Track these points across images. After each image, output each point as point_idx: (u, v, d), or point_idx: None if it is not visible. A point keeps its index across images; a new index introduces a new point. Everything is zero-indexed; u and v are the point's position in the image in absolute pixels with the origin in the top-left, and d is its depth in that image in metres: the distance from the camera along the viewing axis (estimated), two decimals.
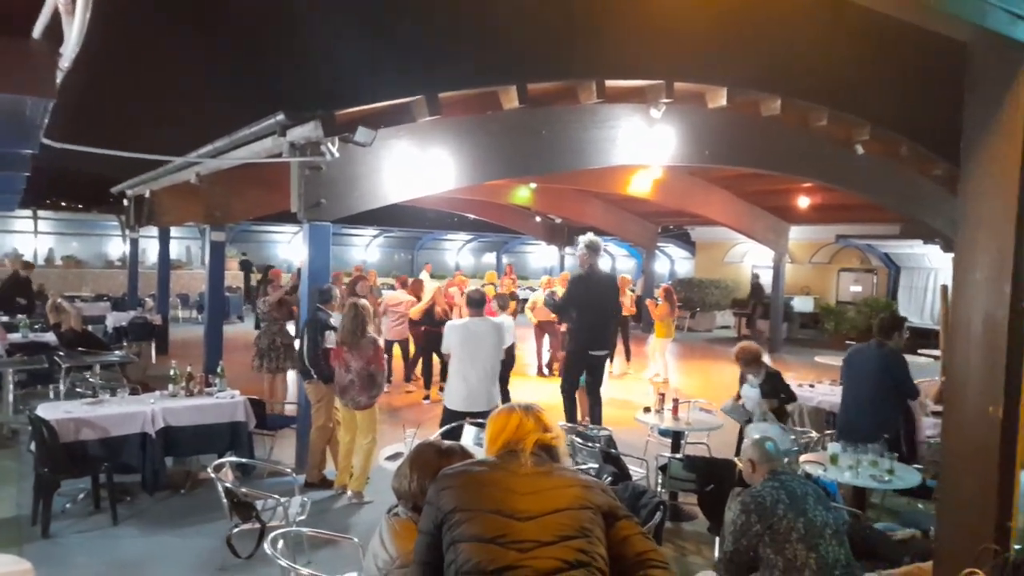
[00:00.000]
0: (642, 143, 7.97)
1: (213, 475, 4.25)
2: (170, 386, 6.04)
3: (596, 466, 4.83)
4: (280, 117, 5.93)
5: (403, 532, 2.30)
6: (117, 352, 9.21)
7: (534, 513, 1.86)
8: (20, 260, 13.62)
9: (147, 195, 11.87)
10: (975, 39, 2.84)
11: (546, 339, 11.49)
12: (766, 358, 6.50)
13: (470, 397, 5.57)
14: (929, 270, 16.32)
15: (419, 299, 10.01)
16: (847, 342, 13.33)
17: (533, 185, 13.31)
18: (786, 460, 4.74)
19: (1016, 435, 2.81)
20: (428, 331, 9.60)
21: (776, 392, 5.80)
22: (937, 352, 8.59)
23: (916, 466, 5.07)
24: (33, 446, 5.10)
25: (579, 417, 7.11)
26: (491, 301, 8.82)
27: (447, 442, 2.56)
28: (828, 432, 6.40)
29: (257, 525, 4.20)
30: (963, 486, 2.92)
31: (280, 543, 3.29)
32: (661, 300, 11.54)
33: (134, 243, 14.42)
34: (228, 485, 4.24)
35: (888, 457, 4.74)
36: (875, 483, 4.60)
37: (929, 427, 6.23)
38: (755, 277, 18.81)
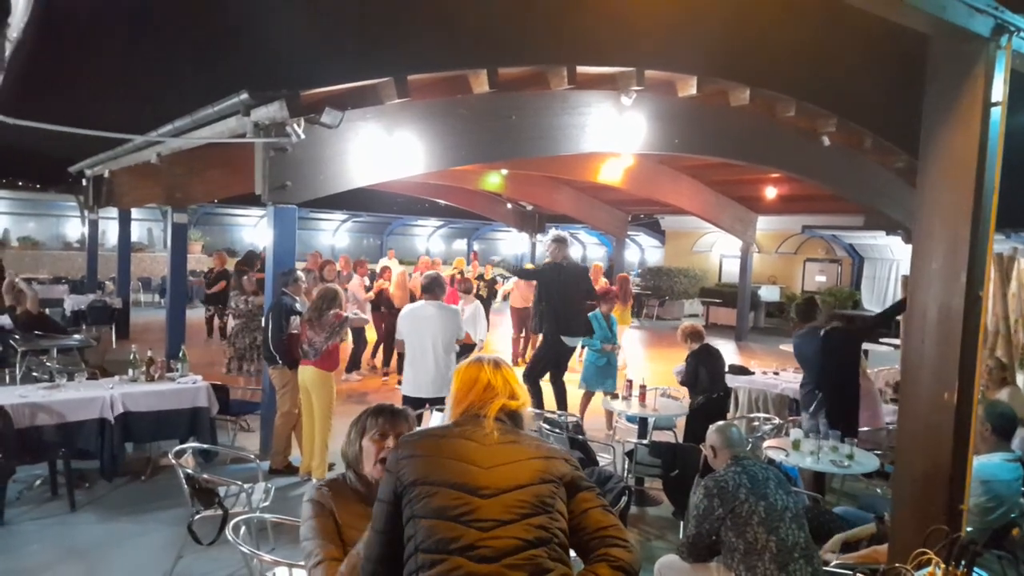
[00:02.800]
0: (612, 130, 7.98)
1: (174, 461, 4.17)
2: (130, 371, 5.91)
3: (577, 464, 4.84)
4: (244, 96, 5.79)
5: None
6: (75, 336, 8.97)
7: (496, 490, 1.82)
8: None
9: (107, 175, 11.53)
10: (935, 31, 2.88)
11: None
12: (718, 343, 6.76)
13: (424, 383, 5.53)
14: (891, 260, 16.70)
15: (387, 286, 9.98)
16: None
17: (504, 171, 13.26)
18: (748, 446, 4.83)
19: (970, 421, 2.88)
20: (383, 316, 9.72)
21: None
22: (897, 341, 8.79)
23: (876, 451, 5.20)
24: None
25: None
26: (458, 285, 8.82)
27: (399, 406, 2.49)
28: (791, 419, 6.53)
29: (219, 512, 4.13)
30: (917, 470, 3.00)
31: (243, 529, 3.24)
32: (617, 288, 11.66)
33: (93, 224, 14.03)
34: (189, 471, 4.16)
35: (848, 442, 4.85)
36: (835, 468, 4.70)
37: (889, 414, 6.38)
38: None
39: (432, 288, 5.78)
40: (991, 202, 2.85)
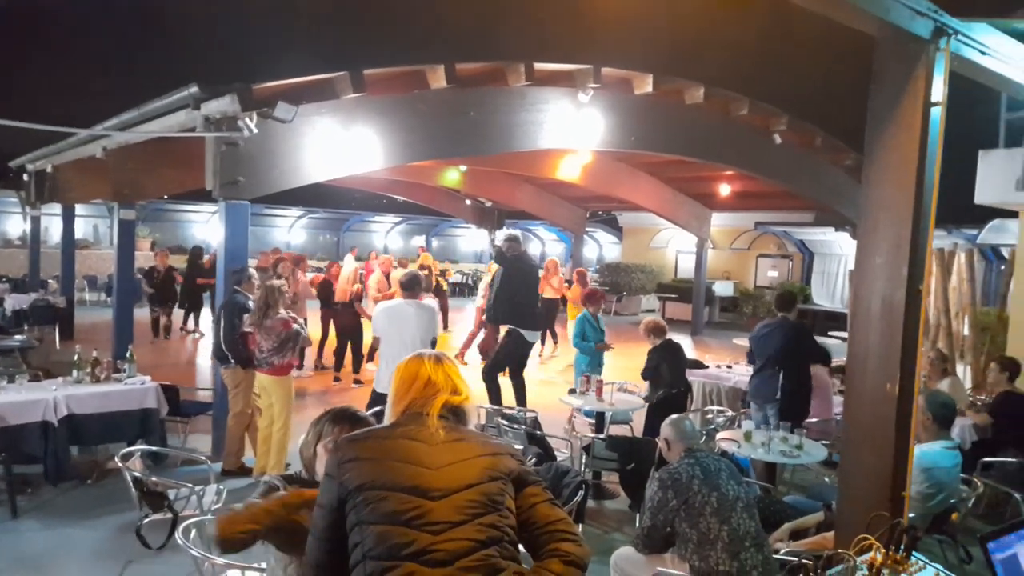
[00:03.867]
0: (570, 127, 8.02)
1: (121, 464, 4.06)
2: (74, 372, 5.72)
3: (521, 447, 4.87)
4: (193, 90, 5.65)
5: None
6: (16, 337, 8.65)
7: (446, 491, 1.79)
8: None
9: (49, 170, 11.13)
10: (880, 33, 2.96)
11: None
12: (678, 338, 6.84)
13: None
14: (840, 256, 17.17)
15: (335, 283, 9.83)
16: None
17: (463, 168, 13.21)
18: (702, 439, 4.93)
19: (912, 410, 2.99)
20: (334, 313, 9.67)
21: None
22: (845, 334, 9.06)
23: (824, 441, 5.36)
24: None
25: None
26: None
27: (360, 412, 2.43)
28: (743, 411, 6.67)
29: (169, 515, 4.04)
30: (863, 459, 3.09)
31: (193, 533, 3.17)
32: (574, 283, 11.74)
33: (35, 221, 13.54)
34: (137, 474, 4.06)
35: (797, 433, 4.98)
36: (785, 459, 4.82)
37: (838, 404, 6.58)
38: None
39: (412, 286, 5.75)
40: (931, 199, 2.95)
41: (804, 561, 2.27)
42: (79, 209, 13.48)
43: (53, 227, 16.55)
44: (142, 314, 12.17)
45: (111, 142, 7.94)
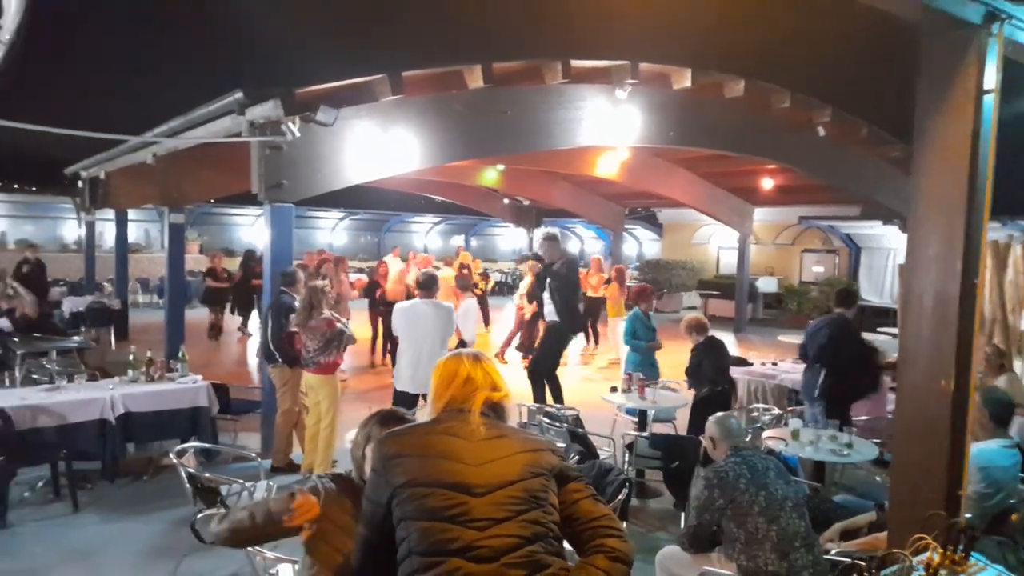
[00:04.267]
0: (608, 124, 7.98)
1: (175, 460, 4.18)
2: (129, 371, 5.91)
3: (563, 445, 4.87)
4: (238, 95, 5.79)
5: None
6: (74, 338, 8.97)
7: (488, 488, 1.81)
8: (27, 246, 13.10)
9: (102, 176, 11.52)
10: (927, 19, 2.88)
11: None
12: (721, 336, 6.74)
13: (418, 378, 5.56)
14: (888, 250, 16.70)
15: (383, 282, 9.97)
16: (810, 321, 13.61)
17: (500, 167, 13.24)
18: (748, 437, 4.86)
19: (967, 407, 2.90)
20: (376, 314, 9.78)
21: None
22: (895, 330, 8.82)
23: (876, 440, 5.23)
24: None
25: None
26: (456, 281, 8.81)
27: (407, 412, 2.48)
28: (791, 408, 6.55)
29: (222, 510, 4.14)
30: (915, 458, 3.01)
31: None
32: (612, 280, 11.66)
33: (90, 226, 14.00)
34: (191, 470, 4.17)
35: (847, 431, 4.87)
36: (834, 457, 4.72)
37: (890, 402, 6.41)
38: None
39: (429, 286, 5.85)
40: (985, 190, 2.85)
41: (857, 561, 2.23)
42: (131, 214, 13.89)
43: (107, 232, 17.08)
44: (198, 315, 12.53)
45: (161, 148, 8.17)
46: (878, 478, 5.54)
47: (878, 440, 5.29)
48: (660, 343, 7.20)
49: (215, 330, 12.64)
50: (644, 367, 6.89)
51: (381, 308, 9.85)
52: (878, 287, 16.94)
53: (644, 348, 7.04)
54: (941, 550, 2.23)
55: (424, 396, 5.45)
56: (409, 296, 9.55)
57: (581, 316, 7.14)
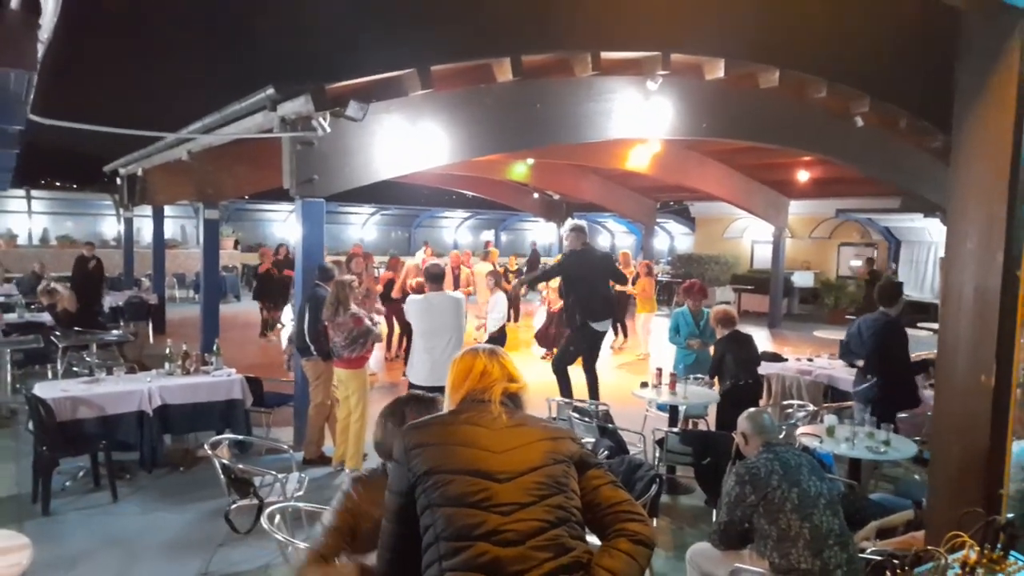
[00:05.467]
0: (639, 116, 7.89)
1: (210, 452, 4.26)
2: (166, 365, 6.04)
3: (593, 440, 4.85)
4: (270, 91, 5.85)
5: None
6: (113, 332, 9.21)
7: (511, 474, 1.83)
8: (85, 244, 13.45)
9: (140, 173, 11.78)
10: (967, 4, 2.79)
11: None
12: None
13: (434, 372, 5.49)
14: (929, 243, 16.29)
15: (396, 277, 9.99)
16: (847, 317, 13.35)
17: (530, 161, 13.22)
18: (781, 434, 4.77)
19: (1009, 404, 2.80)
20: (390, 310, 9.74)
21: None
22: (935, 325, 8.60)
23: (916, 437, 5.10)
24: (31, 425, 5.11)
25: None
26: (490, 278, 8.81)
27: (428, 395, 2.52)
28: (826, 405, 6.43)
29: (255, 501, 4.22)
30: (954, 455, 2.93)
31: (278, 518, 3.30)
32: (642, 275, 11.54)
33: (128, 222, 14.35)
34: (225, 462, 4.25)
35: (885, 428, 4.76)
36: (871, 455, 4.61)
37: (930, 399, 6.25)
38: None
39: (439, 278, 5.80)
40: None
41: (890, 558, 2.17)
42: (167, 210, 14.19)
43: (145, 228, 17.50)
44: (227, 308, 12.73)
45: (196, 145, 8.32)
46: (917, 476, 5.41)
47: (918, 438, 5.16)
48: (701, 341, 6.85)
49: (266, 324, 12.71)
50: (691, 368, 6.68)
51: (393, 303, 9.83)
52: (918, 281, 16.53)
53: (684, 345, 6.91)
54: (978, 548, 2.16)
55: (440, 389, 5.41)
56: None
57: (590, 303, 6.99)
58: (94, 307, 10.71)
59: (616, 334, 12.41)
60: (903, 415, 5.59)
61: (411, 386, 5.66)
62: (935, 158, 10.31)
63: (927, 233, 16.12)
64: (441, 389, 5.20)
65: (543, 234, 28.37)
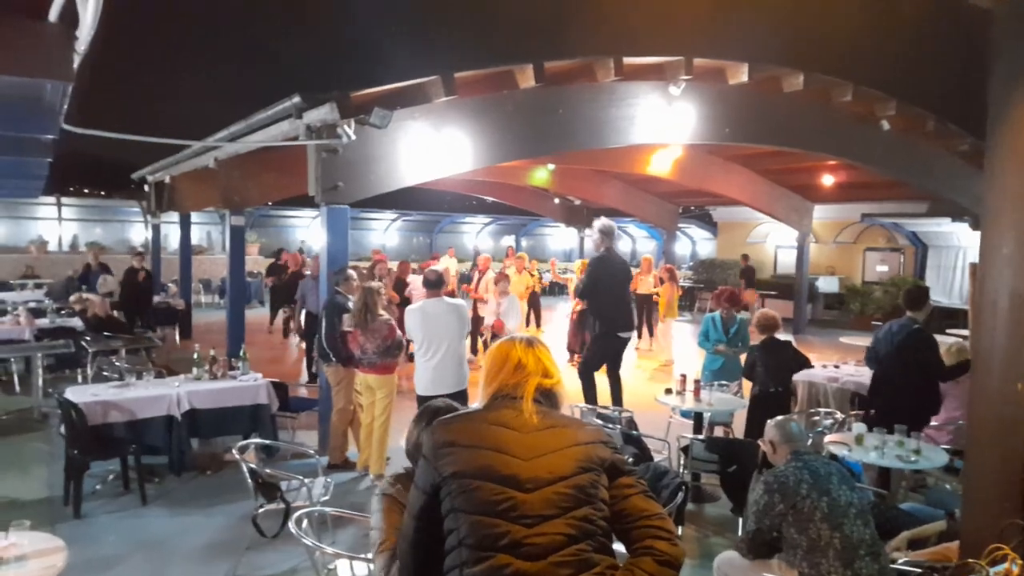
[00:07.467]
0: (661, 121, 7.87)
1: (238, 456, 4.30)
2: (194, 369, 6.11)
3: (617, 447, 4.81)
4: (296, 100, 5.92)
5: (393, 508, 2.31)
6: (143, 336, 9.33)
7: (537, 483, 1.79)
8: (133, 252, 13.48)
9: (167, 180, 11.97)
10: (998, 5, 2.74)
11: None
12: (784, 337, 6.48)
13: (436, 380, 5.43)
14: (958, 248, 16.01)
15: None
16: (873, 322, 13.16)
17: (551, 166, 13.21)
18: (809, 442, 4.71)
19: None
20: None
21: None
22: (965, 332, 8.44)
23: (945, 446, 5.01)
24: (63, 429, 5.20)
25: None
26: (499, 282, 8.81)
27: (456, 403, 2.50)
28: (853, 412, 6.33)
29: (282, 505, 4.25)
30: (989, 464, 2.87)
31: (305, 522, 3.32)
32: (665, 280, 11.47)
33: (156, 229, 14.57)
34: (252, 466, 4.29)
35: (914, 437, 4.68)
36: (901, 463, 4.53)
37: (961, 406, 6.13)
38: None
39: (439, 284, 5.70)
40: None
41: (929, 570, 2.13)
42: (194, 216, 14.38)
43: (172, 234, 17.75)
44: (252, 314, 12.85)
45: (222, 153, 8.43)
46: (948, 486, 5.31)
47: (948, 447, 5.06)
48: (730, 348, 6.71)
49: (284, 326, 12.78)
50: (717, 374, 6.59)
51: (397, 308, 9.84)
52: (946, 287, 16.25)
53: (711, 350, 6.83)
54: (1020, 560, 2.11)
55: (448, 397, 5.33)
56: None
57: (611, 311, 6.92)
58: (144, 317, 10.93)
59: (640, 336, 12.33)
60: (933, 424, 5.49)
61: (418, 397, 5.61)
62: (964, 161, 10.15)
63: (955, 238, 15.84)
64: (448, 396, 5.15)
65: (564, 240, 28.33)
